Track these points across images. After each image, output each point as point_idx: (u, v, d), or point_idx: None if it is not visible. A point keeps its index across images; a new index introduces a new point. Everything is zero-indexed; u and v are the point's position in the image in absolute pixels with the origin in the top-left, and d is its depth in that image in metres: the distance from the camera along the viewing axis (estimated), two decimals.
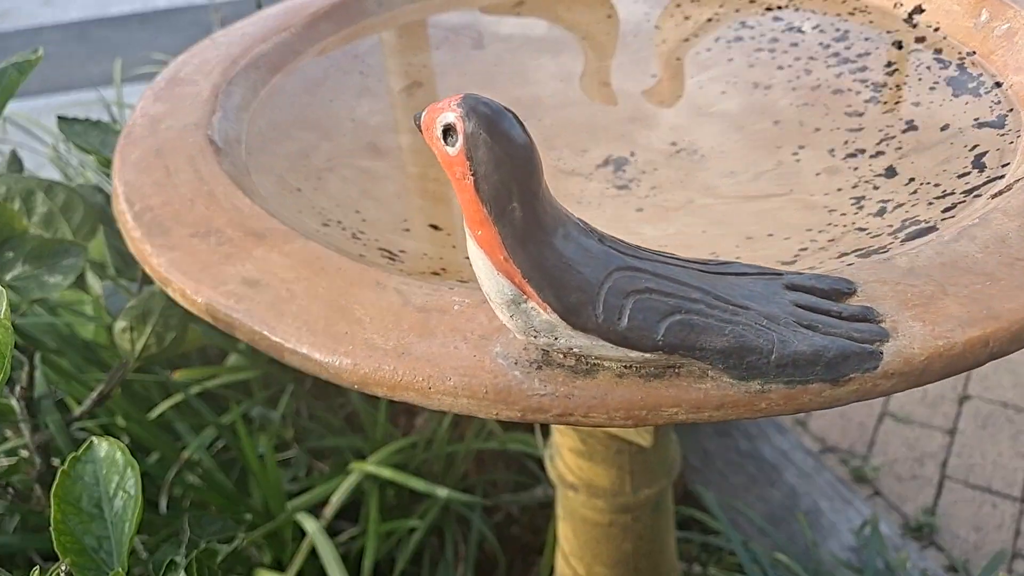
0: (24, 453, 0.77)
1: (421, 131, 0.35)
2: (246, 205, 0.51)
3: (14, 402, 0.66)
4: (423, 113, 0.35)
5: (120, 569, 0.44)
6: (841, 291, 0.41)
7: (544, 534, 1.16)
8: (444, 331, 0.41)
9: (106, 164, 0.71)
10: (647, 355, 0.37)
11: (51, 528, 0.45)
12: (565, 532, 0.84)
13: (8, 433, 0.80)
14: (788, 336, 0.37)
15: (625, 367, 0.38)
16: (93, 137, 0.73)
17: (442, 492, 0.90)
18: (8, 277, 0.62)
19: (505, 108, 0.34)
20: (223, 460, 1.06)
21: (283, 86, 0.71)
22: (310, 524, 0.89)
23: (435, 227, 0.58)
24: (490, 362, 0.39)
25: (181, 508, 1.01)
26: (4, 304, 0.41)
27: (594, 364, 0.38)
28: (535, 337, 0.37)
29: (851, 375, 0.37)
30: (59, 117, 0.73)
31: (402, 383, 0.40)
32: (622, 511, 0.80)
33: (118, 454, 0.48)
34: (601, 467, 0.75)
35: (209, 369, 1.03)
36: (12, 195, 0.67)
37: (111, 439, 0.47)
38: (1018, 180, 0.49)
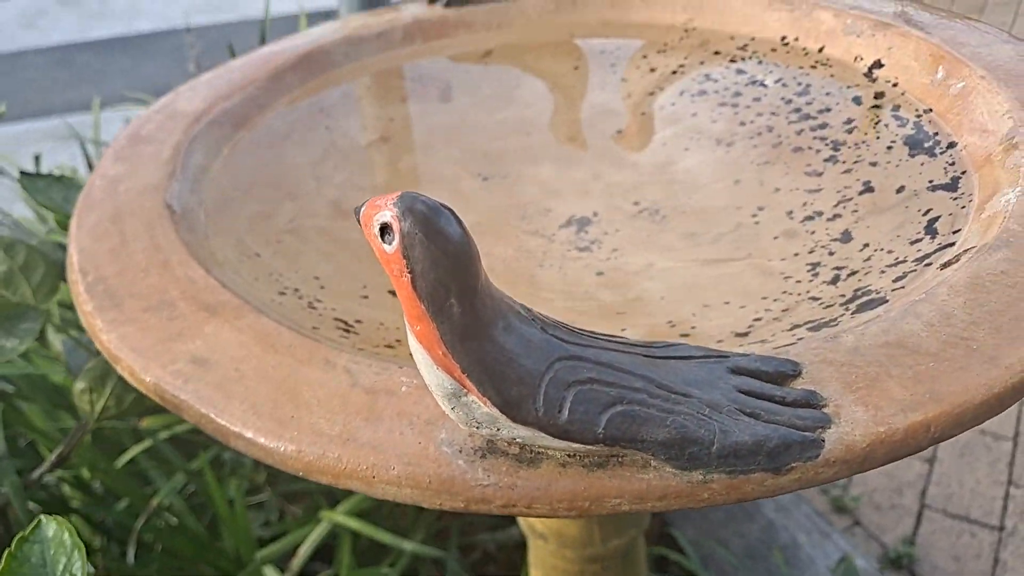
0: None
1: (360, 224, 0.35)
2: (200, 276, 0.51)
3: None
4: (362, 208, 0.35)
5: None
6: (786, 373, 0.41)
7: (520, 571, 1.15)
8: (391, 415, 0.41)
9: (67, 221, 0.71)
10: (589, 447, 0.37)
11: None
12: None
13: None
14: (730, 426, 0.37)
15: (569, 456, 0.38)
16: (55, 193, 0.73)
17: (408, 545, 0.90)
18: None
19: (442, 205, 0.34)
20: (194, 504, 1.06)
21: (247, 142, 0.71)
22: None
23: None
24: (434, 450, 0.39)
25: (151, 555, 1.00)
26: None
27: (538, 453, 0.38)
28: (477, 428, 0.37)
29: (793, 464, 0.37)
30: (22, 173, 0.73)
31: (346, 471, 0.39)
32: (591, 561, 0.80)
33: (66, 535, 0.47)
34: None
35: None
36: None
37: (59, 519, 0.47)
38: (966, 250, 0.49)
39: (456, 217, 0.34)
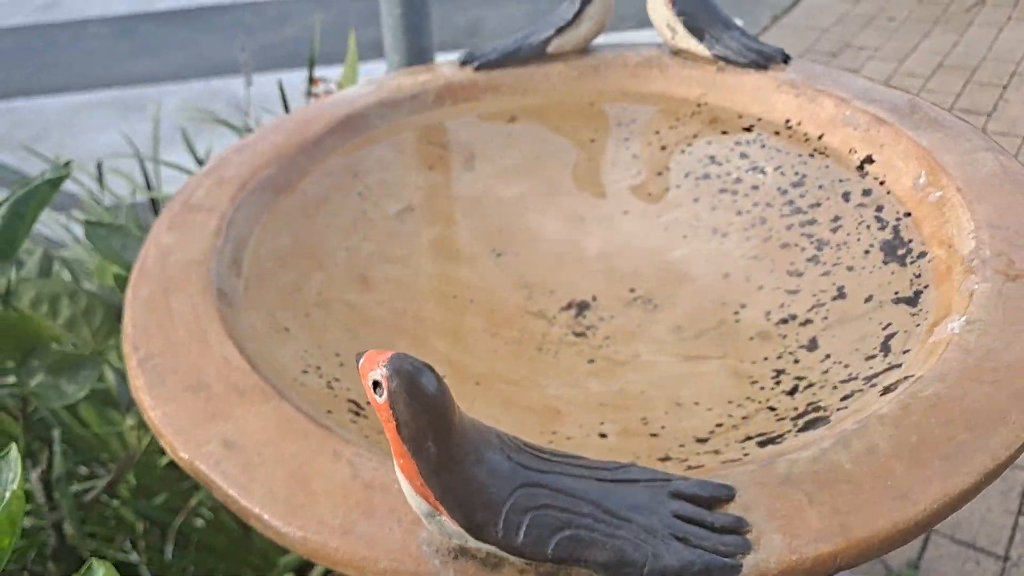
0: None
1: (358, 371, 0.43)
2: (234, 356, 0.59)
3: (33, 485, 0.75)
4: (362, 359, 0.43)
5: None
6: (720, 498, 0.48)
7: None
8: (384, 511, 0.49)
9: (126, 270, 0.80)
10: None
11: None
12: None
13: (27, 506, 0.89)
14: (661, 550, 0.44)
15: (526, 564, 0.45)
16: (115, 241, 0.81)
17: None
18: (32, 383, 0.70)
19: (424, 366, 0.41)
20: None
21: (285, 209, 0.78)
22: None
23: None
24: (415, 548, 0.47)
25: (188, 550, 1.09)
26: (19, 473, 0.49)
27: (501, 559, 0.46)
28: (449, 539, 0.45)
29: None
30: (86, 222, 0.82)
31: (342, 560, 0.47)
32: None
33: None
34: None
35: None
36: (41, 299, 0.76)
37: (107, 564, 0.55)
38: (907, 377, 0.55)
39: (436, 376, 0.42)
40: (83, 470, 0.99)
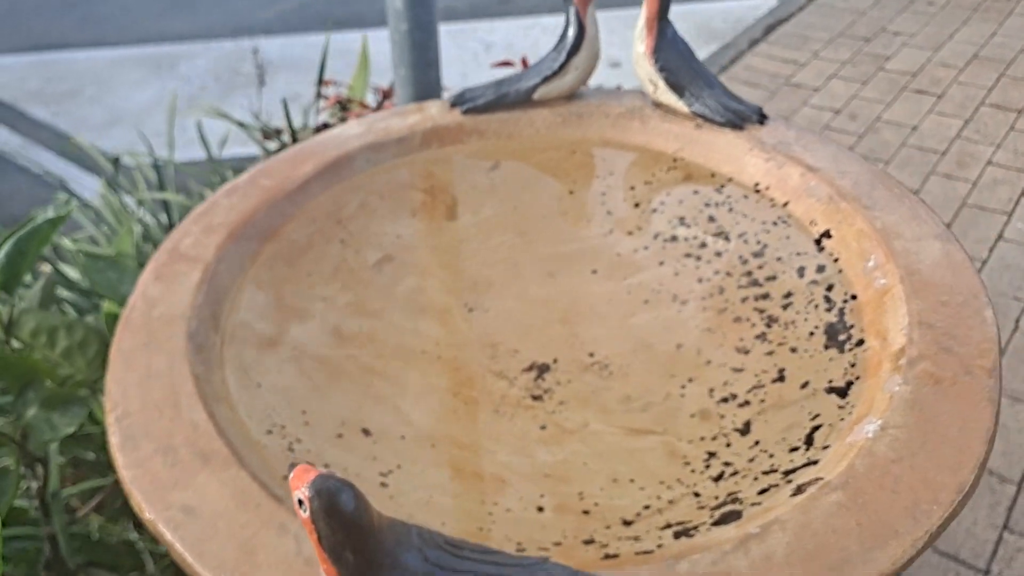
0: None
1: (288, 483, 0.48)
2: (202, 420, 0.64)
3: (29, 502, 0.81)
4: (291, 474, 0.47)
5: None
6: None
7: None
8: None
9: (121, 302, 0.85)
10: None
11: None
12: None
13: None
14: None
15: None
16: (112, 274, 0.87)
17: None
18: (28, 415, 0.76)
19: (345, 485, 0.46)
20: None
21: (269, 257, 0.83)
22: None
23: (366, 431, 0.70)
24: None
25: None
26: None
27: None
28: None
29: None
30: (86, 254, 0.87)
31: None
32: None
33: None
34: None
35: None
36: (40, 331, 0.81)
37: None
38: (817, 479, 0.59)
39: (355, 494, 0.46)
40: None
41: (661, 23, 0.90)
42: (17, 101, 3.10)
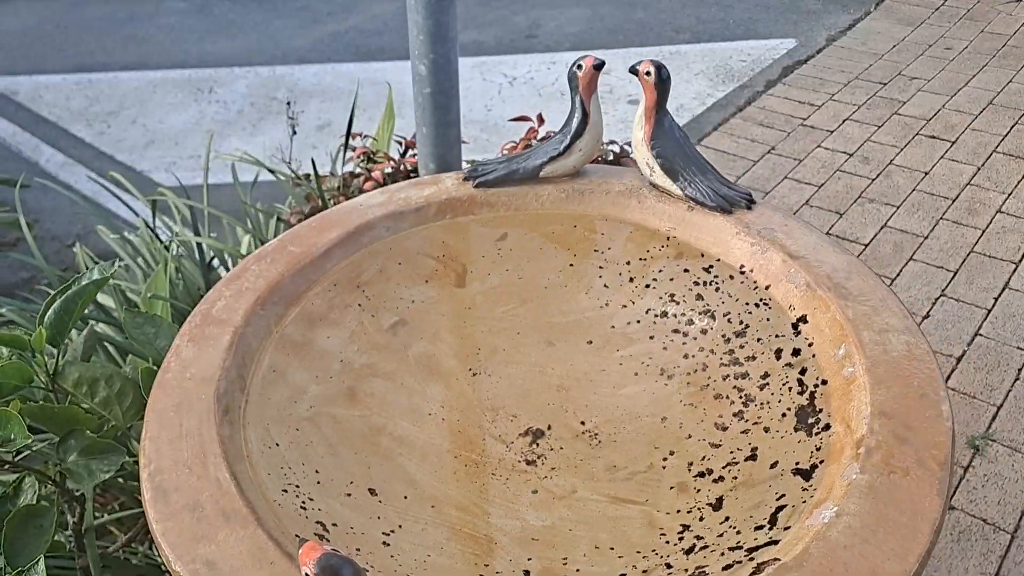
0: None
1: (298, 558, 0.55)
2: (225, 480, 0.72)
3: (64, 535, 0.89)
4: (300, 549, 0.55)
5: None
6: None
7: None
8: None
9: (157, 357, 0.93)
10: None
11: None
12: None
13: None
14: None
15: None
16: (148, 329, 0.95)
17: None
18: (68, 460, 0.84)
19: (347, 562, 0.53)
20: None
21: (293, 320, 0.91)
22: None
23: (372, 491, 0.78)
24: None
25: None
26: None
27: None
28: None
29: None
30: (126, 309, 0.95)
31: None
32: None
33: None
34: None
35: None
36: (82, 382, 0.89)
37: None
38: (775, 560, 0.66)
39: (354, 570, 0.54)
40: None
41: (659, 113, 0.97)
42: (61, 120, 3.21)
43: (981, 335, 2.17)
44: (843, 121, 3.05)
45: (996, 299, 2.28)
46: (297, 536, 0.56)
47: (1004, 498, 1.80)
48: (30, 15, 4.13)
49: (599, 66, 0.99)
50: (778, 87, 3.28)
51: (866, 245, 2.45)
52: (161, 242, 1.47)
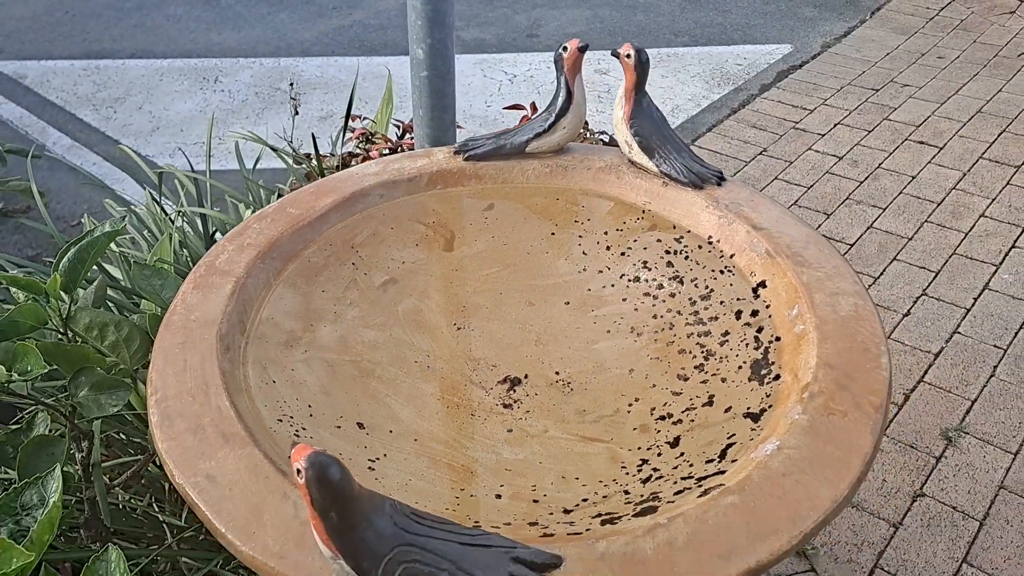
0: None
1: (290, 457, 0.62)
2: (226, 407, 0.79)
3: (75, 469, 0.96)
4: (292, 450, 0.62)
5: None
6: (550, 564, 0.66)
7: None
8: (311, 545, 0.68)
9: (163, 307, 1.00)
10: None
11: None
12: None
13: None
14: None
15: None
16: (155, 280, 1.02)
17: None
18: (79, 396, 0.91)
19: (333, 460, 0.60)
20: None
21: (291, 274, 0.98)
22: None
23: (360, 425, 0.85)
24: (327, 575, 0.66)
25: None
26: (59, 486, 0.70)
27: None
28: (348, 574, 0.64)
29: None
30: (135, 263, 1.02)
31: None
32: None
33: (122, 561, 0.77)
34: None
35: None
36: (92, 326, 0.96)
37: (117, 550, 0.76)
38: (720, 486, 0.72)
39: (341, 468, 0.61)
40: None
41: (638, 94, 1.04)
42: (68, 104, 3.29)
43: (959, 333, 2.23)
44: (834, 125, 3.12)
45: (976, 299, 2.34)
46: (293, 444, 0.63)
47: (974, 487, 1.86)
48: (39, 1, 4.20)
49: (583, 48, 1.06)
50: (772, 91, 3.36)
51: (851, 245, 2.52)
52: (166, 214, 1.54)
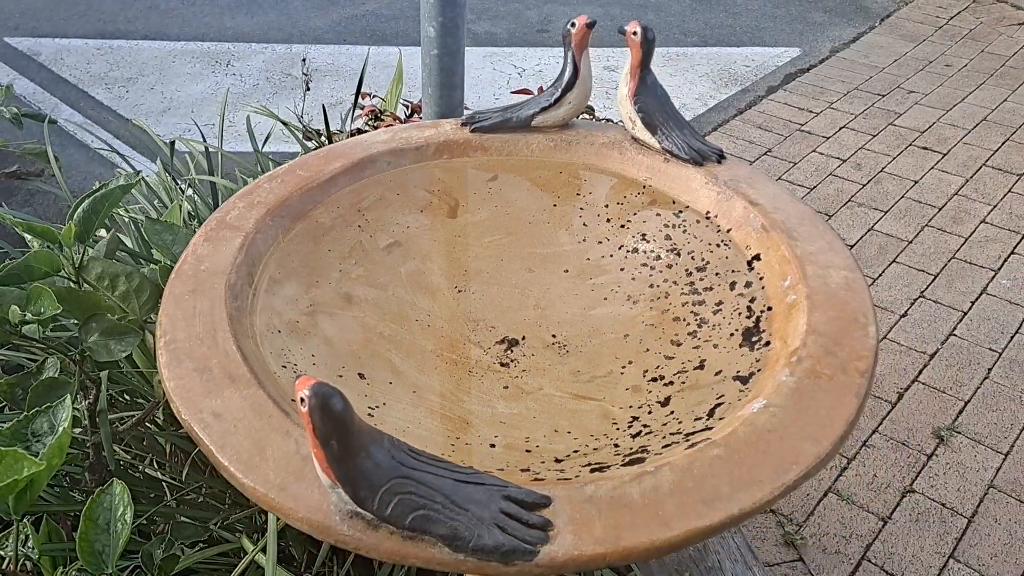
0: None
1: (294, 385, 0.65)
2: (233, 351, 0.82)
3: (81, 412, 0.99)
4: (298, 380, 0.64)
5: (108, 572, 0.75)
6: (539, 504, 0.69)
7: None
8: (310, 479, 0.71)
9: (173, 260, 1.03)
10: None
11: (77, 537, 0.77)
12: None
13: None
14: (484, 533, 0.66)
15: (395, 529, 0.67)
16: (166, 235, 1.05)
17: None
18: (89, 341, 0.94)
19: (335, 391, 0.63)
20: None
21: (299, 232, 1.01)
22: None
23: (361, 375, 0.87)
24: (326, 507, 0.69)
25: (202, 474, 1.33)
26: (69, 415, 0.72)
27: (379, 524, 0.67)
28: (345, 504, 0.67)
29: (516, 562, 0.66)
30: (147, 218, 1.05)
31: (275, 507, 0.69)
32: None
33: (126, 494, 0.80)
34: None
35: None
36: (104, 276, 0.99)
37: (123, 484, 0.78)
38: (706, 440, 0.75)
39: (342, 398, 0.63)
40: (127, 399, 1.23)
41: (643, 71, 1.07)
42: (81, 82, 3.32)
43: (955, 335, 2.26)
44: (839, 128, 3.14)
45: (973, 303, 2.36)
46: (295, 376, 0.65)
47: (964, 486, 1.89)
48: None
49: (591, 24, 1.09)
50: (779, 93, 3.38)
51: (852, 246, 2.55)
52: (176, 183, 1.57)
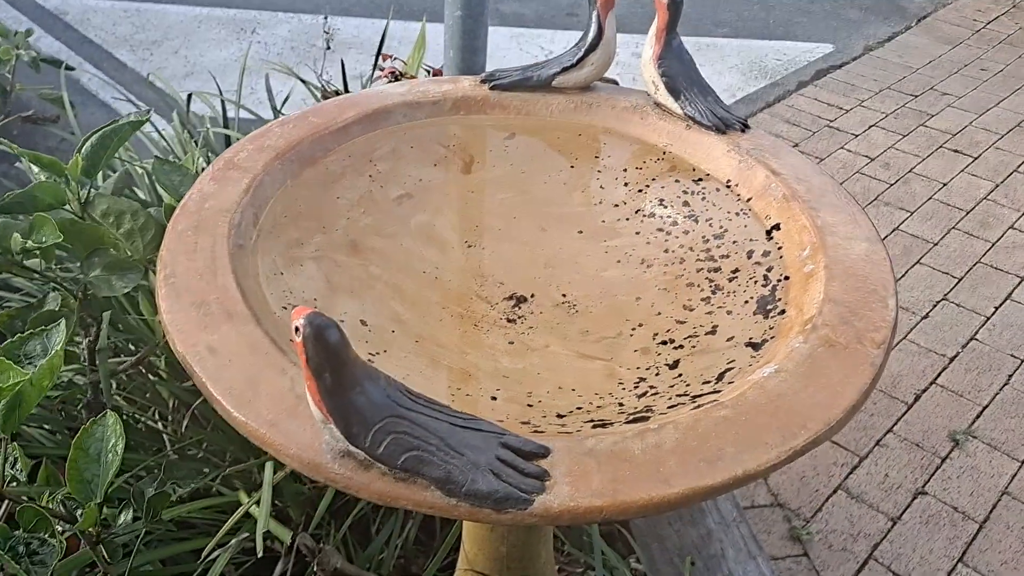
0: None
1: (291, 316, 0.63)
2: (232, 287, 0.80)
3: (80, 349, 0.97)
4: (294, 310, 0.62)
5: (96, 501, 0.73)
6: (537, 453, 0.66)
7: None
8: (304, 417, 0.69)
9: (179, 201, 1.01)
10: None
11: (66, 465, 0.75)
12: (466, 524, 1.10)
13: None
14: (478, 478, 0.63)
15: (387, 469, 0.65)
16: (174, 176, 1.03)
17: None
18: (91, 275, 0.92)
19: (331, 322, 0.61)
20: None
21: (308, 178, 0.99)
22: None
23: (363, 322, 0.85)
24: (317, 445, 0.67)
25: (203, 428, 1.32)
26: (63, 339, 0.71)
27: (371, 463, 0.65)
28: (337, 442, 0.65)
29: (510, 510, 0.63)
30: (156, 158, 1.03)
31: (267, 443, 0.67)
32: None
33: (118, 426, 0.78)
34: None
35: None
36: (109, 213, 0.97)
37: (115, 415, 0.77)
38: (713, 402, 0.72)
39: (338, 330, 0.61)
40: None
41: (669, 34, 1.04)
42: (106, 44, 3.32)
43: (976, 340, 2.22)
44: (869, 127, 3.10)
45: (996, 308, 2.32)
46: (293, 306, 0.63)
47: (977, 490, 1.85)
48: None
49: None
50: (809, 88, 3.34)
51: None
52: (192, 136, 1.55)
